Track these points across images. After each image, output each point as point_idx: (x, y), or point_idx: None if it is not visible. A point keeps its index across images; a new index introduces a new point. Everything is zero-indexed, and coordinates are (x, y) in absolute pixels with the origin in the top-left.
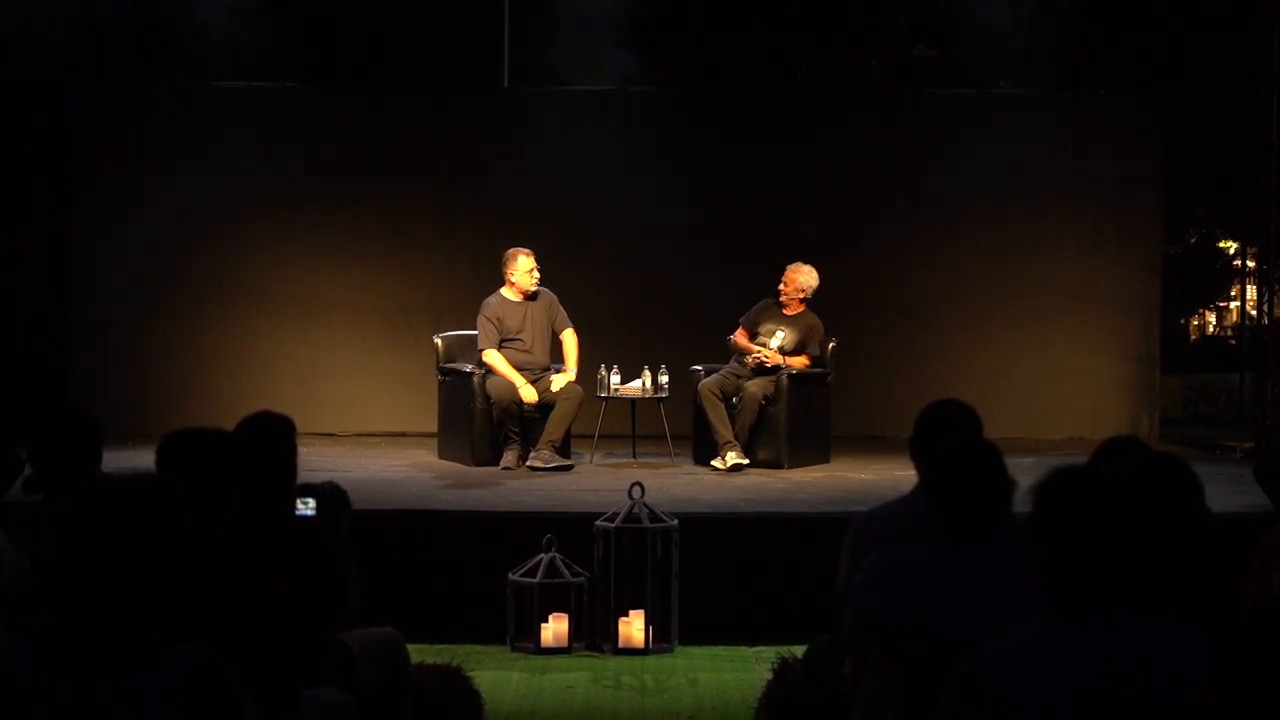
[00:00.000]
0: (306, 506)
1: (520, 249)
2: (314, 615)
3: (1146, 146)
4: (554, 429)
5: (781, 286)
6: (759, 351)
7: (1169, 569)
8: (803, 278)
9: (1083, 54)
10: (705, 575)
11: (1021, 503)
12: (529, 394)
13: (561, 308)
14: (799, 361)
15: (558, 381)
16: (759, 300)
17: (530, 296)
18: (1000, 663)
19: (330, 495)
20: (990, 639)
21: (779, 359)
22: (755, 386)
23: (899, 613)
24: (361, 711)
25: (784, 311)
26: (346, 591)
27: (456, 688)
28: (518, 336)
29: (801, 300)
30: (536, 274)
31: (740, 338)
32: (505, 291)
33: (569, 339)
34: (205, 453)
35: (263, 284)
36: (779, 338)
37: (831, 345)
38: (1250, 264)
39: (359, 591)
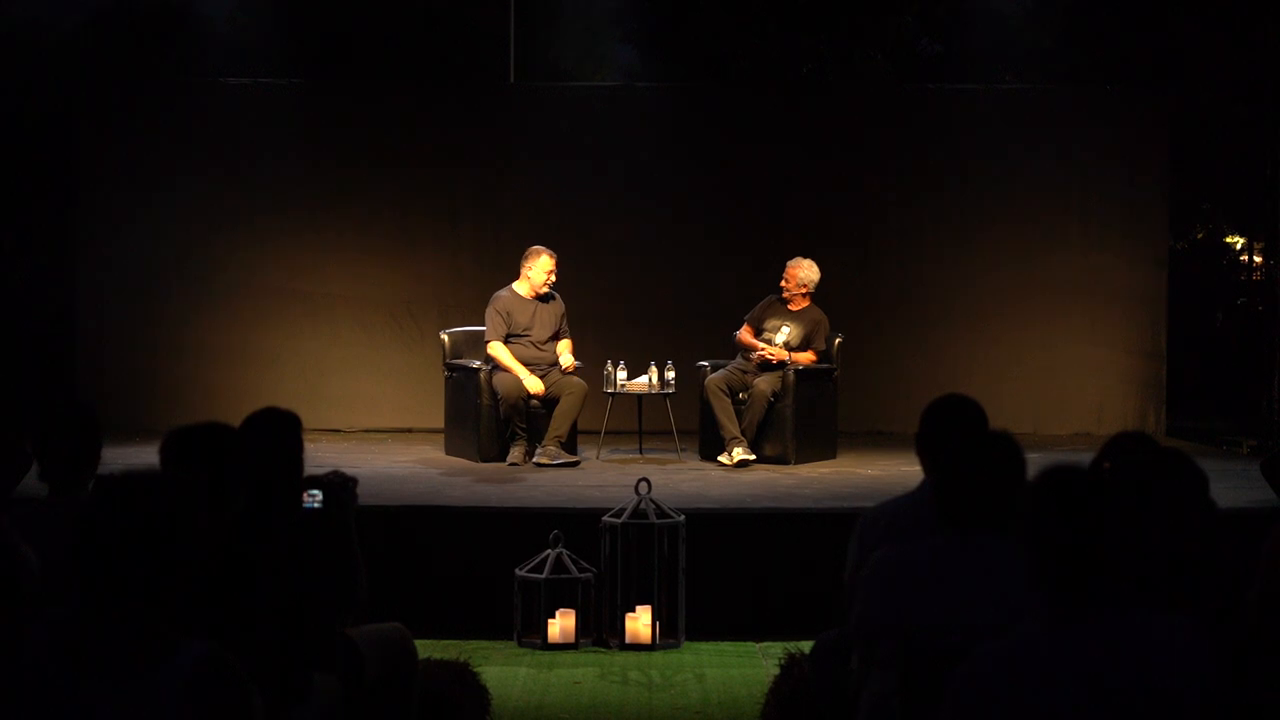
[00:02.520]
0: (313, 499)
1: (544, 248)
2: (321, 607)
3: (1153, 141)
4: (559, 424)
5: (783, 283)
6: (764, 348)
7: (1174, 565)
8: (803, 273)
9: (1089, 49)
10: (712, 571)
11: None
12: (534, 385)
13: (566, 319)
14: (805, 357)
15: (565, 358)
16: (764, 296)
17: (541, 297)
18: (1001, 663)
19: (337, 486)
20: (990, 639)
21: (784, 355)
22: (764, 384)
23: (905, 608)
24: (368, 707)
25: (788, 307)
26: (355, 581)
27: (463, 683)
28: (525, 333)
29: (804, 295)
30: (554, 276)
31: (745, 335)
32: (517, 286)
33: (564, 346)
34: (209, 448)
35: (269, 279)
36: (784, 333)
37: (838, 341)
38: (1258, 259)
39: (366, 581)
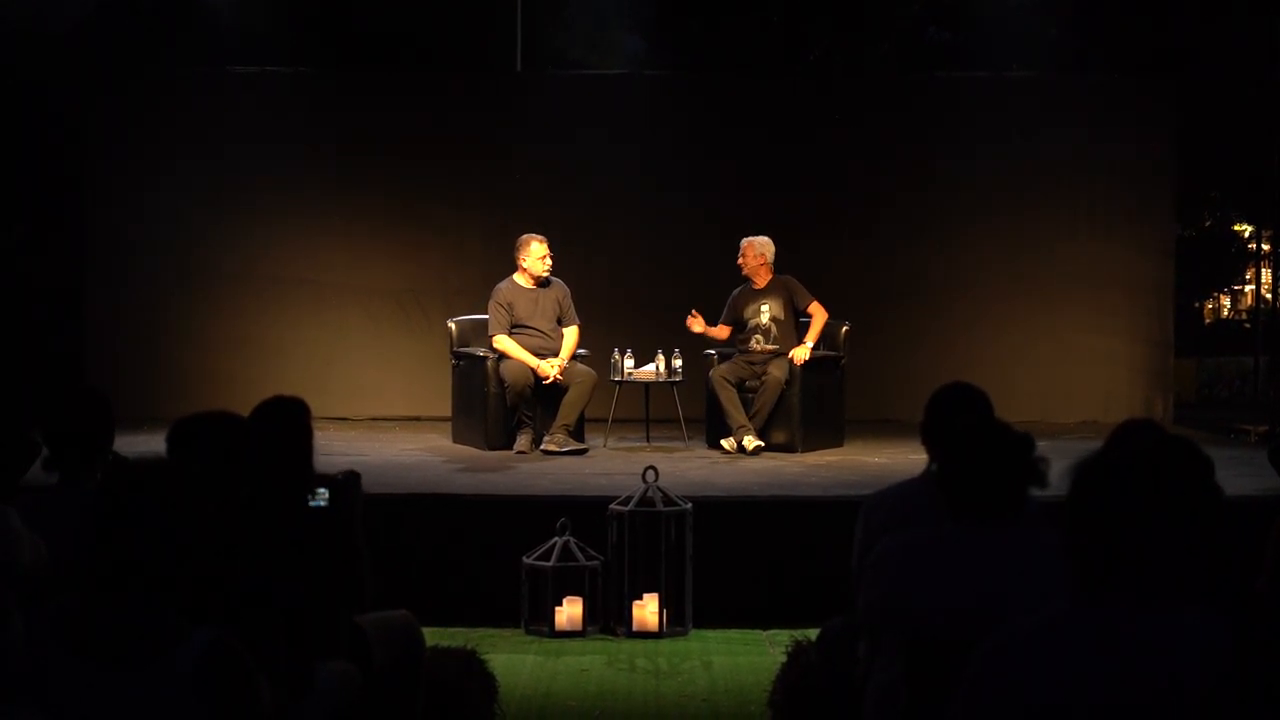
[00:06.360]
0: (320, 498)
1: (533, 235)
2: (328, 598)
3: (1160, 129)
4: (567, 413)
5: (740, 260)
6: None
7: (1179, 553)
8: (759, 245)
9: (1096, 36)
10: (719, 558)
11: (1058, 485)
12: (548, 368)
13: (571, 304)
14: (804, 353)
15: (564, 351)
16: (733, 291)
17: (542, 283)
18: (1025, 642)
19: (343, 484)
20: (1014, 618)
21: (805, 355)
22: (777, 370)
23: (909, 596)
24: (376, 694)
25: (755, 288)
26: (360, 578)
27: (470, 671)
28: (528, 323)
29: (764, 266)
30: (549, 260)
31: (723, 332)
32: (517, 278)
33: (571, 334)
34: (217, 437)
35: (276, 268)
36: (765, 313)
37: (845, 329)
38: (1265, 247)
39: (372, 578)
